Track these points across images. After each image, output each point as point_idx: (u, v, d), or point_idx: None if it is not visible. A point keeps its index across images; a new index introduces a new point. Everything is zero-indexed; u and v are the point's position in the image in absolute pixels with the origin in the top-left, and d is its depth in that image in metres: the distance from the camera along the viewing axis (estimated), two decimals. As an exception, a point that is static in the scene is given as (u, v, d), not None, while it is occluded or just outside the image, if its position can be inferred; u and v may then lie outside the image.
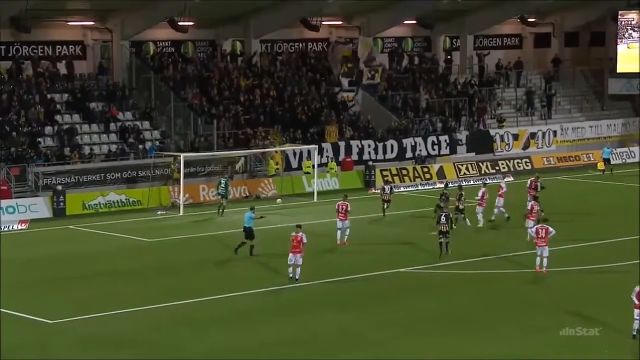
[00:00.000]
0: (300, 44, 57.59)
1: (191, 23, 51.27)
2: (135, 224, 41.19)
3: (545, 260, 31.43)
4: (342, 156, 51.41)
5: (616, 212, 43.31)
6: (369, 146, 52.63)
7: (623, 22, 61.95)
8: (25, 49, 49.23)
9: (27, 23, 46.94)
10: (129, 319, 27.15)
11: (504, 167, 54.80)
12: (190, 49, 54.05)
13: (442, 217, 34.16)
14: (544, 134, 59.44)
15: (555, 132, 59.84)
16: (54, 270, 32.84)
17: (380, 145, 52.88)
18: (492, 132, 57.56)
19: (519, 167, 55.72)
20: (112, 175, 45.42)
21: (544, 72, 64.24)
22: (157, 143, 48.02)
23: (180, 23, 50.25)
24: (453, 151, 55.28)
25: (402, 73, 59.09)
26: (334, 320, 27.05)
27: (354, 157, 51.84)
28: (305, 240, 30.07)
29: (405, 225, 40.73)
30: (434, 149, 54.59)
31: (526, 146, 58.56)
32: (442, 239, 34.07)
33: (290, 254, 30.06)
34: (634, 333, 24.40)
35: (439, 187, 46.26)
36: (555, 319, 26.50)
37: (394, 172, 51.10)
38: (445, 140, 55.12)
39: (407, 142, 53.81)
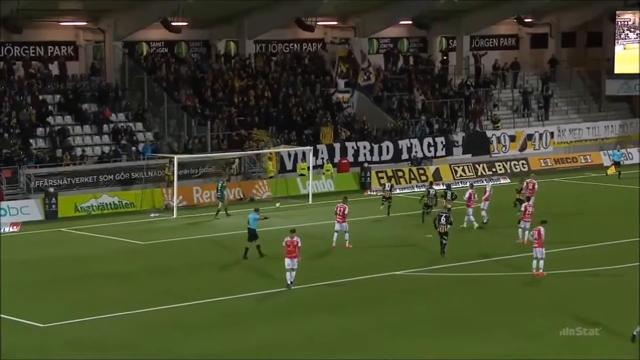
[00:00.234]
0: (295, 45, 57.57)
1: (185, 23, 51.25)
2: (128, 226, 41.12)
3: (541, 262, 31.40)
4: (337, 158, 51.38)
5: (613, 215, 43.32)
6: (365, 148, 52.63)
7: (620, 23, 62.00)
8: (17, 49, 49.18)
9: (19, 23, 46.88)
10: (122, 322, 27.08)
11: (500, 169, 54.81)
12: (184, 50, 54.02)
13: (443, 217, 34.26)
14: (540, 135, 59.45)
15: (552, 134, 59.86)
16: (46, 274, 32.77)
17: (375, 146, 52.87)
18: (488, 133, 57.57)
19: (516, 168, 55.73)
20: (105, 177, 45.36)
21: (541, 72, 64.29)
22: (151, 144, 47.96)
23: (173, 23, 50.24)
24: (449, 153, 55.28)
25: (397, 74, 59.08)
26: (330, 323, 27.02)
27: (350, 158, 51.83)
28: (300, 244, 29.97)
29: (401, 227, 40.71)
30: (430, 151, 54.60)
31: (523, 148, 58.58)
32: (441, 239, 34.35)
33: (287, 259, 29.85)
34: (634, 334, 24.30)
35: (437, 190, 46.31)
36: (553, 322, 26.47)
37: (390, 173, 51.08)
38: (442, 142, 55.11)
39: (403, 143, 53.81)
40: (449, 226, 34.24)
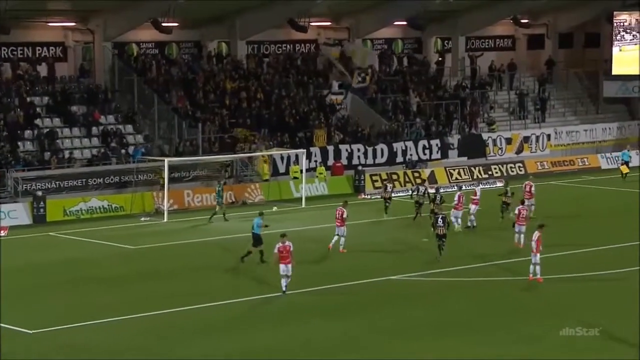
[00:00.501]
0: (288, 46, 57.56)
1: (175, 24, 51.22)
2: (118, 230, 41.05)
3: (537, 267, 31.40)
4: (331, 161, 51.37)
5: (612, 218, 43.38)
6: (359, 150, 52.64)
7: (617, 24, 62.11)
8: (4, 50, 49.12)
9: (6, 24, 46.76)
10: (113, 328, 27.01)
11: (496, 172, 54.84)
12: (175, 51, 53.99)
13: (439, 219, 34.55)
14: (537, 137, 59.53)
15: (549, 136, 59.93)
16: (34, 279, 32.68)
17: (370, 149, 52.89)
18: (484, 136, 57.63)
19: (512, 171, 55.76)
20: (94, 181, 45.28)
21: (538, 74, 64.37)
22: (143, 148, 47.89)
23: (164, 24, 50.19)
24: (444, 155, 55.32)
25: (392, 75, 59.10)
26: (326, 327, 27.02)
27: (343, 161, 51.82)
28: (292, 249, 29.91)
29: (396, 231, 40.72)
30: (425, 153, 54.63)
31: (519, 150, 58.64)
32: (438, 241, 34.61)
33: (282, 265, 29.73)
34: None
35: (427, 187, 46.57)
36: (552, 325, 26.50)
37: (384, 176, 51.06)
38: (437, 145, 55.16)
39: (398, 146, 53.84)
40: (447, 228, 34.63)
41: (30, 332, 26.56)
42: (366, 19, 58.08)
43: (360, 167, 51.17)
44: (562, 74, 65.52)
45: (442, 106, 57.86)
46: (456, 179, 53.14)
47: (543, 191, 43.86)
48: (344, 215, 36.00)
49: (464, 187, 44.00)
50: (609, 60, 62.90)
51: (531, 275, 31.42)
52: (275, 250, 29.89)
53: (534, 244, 31.19)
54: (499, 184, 48.15)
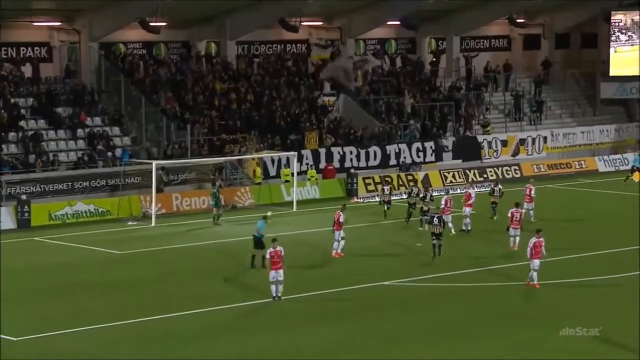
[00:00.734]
0: (279, 46, 57.55)
1: (163, 23, 51.16)
2: (104, 235, 40.99)
3: (534, 273, 31.33)
4: (322, 163, 51.35)
5: (609, 222, 43.47)
6: (351, 153, 52.64)
7: (613, 24, 62.22)
8: (-12, 50, 49.10)
9: (-10, 23, 46.79)
10: (100, 335, 26.92)
11: (492, 175, 54.85)
12: (163, 51, 53.95)
13: (435, 218, 35.17)
14: (533, 140, 59.61)
15: (545, 138, 60.01)
16: (19, 285, 32.56)
17: (362, 152, 52.89)
18: (479, 138, 57.68)
19: (508, 174, 55.81)
20: (80, 184, 45.20)
21: (534, 75, 64.46)
22: (130, 150, 47.85)
23: (151, 23, 50.15)
24: (439, 158, 55.36)
25: (385, 76, 59.12)
26: (316, 333, 26.99)
27: (335, 164, 51.81)
28: (283, 254, 29.87)
29: (390, 236, 40.72)
30: (419, 156, 54.66)
31: (515, 153, 58.71)
32: (434, 240, 35.17)
33: (272, 271, 29.66)
34: None
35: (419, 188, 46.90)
36: (548, 332, 26.52)
37: (377, 180, 51.07)
38: (431, 147, 55.20)
39: (391, 148, 53.86)
40: (442, 227, 35.23)
41: (15, 339, 26.45)
42: (359, 19, 58.10)
43: (352, 170, 51.16)
44: (558, 74, 65.62)
45: (436, 108, 57.90)
46: (451, 182, 53.17)
47: (540, 195, 43.84)
48: (341, 219, 36.00)
49: (451, 192, 44.15)
50: (606, 61, 63.00)
51: (528, 280, 31.39)
52: (267, 256, 29.82)
53: (529, 250, 31.15)
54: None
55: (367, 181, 50.84)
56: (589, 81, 65.58)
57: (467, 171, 54.58)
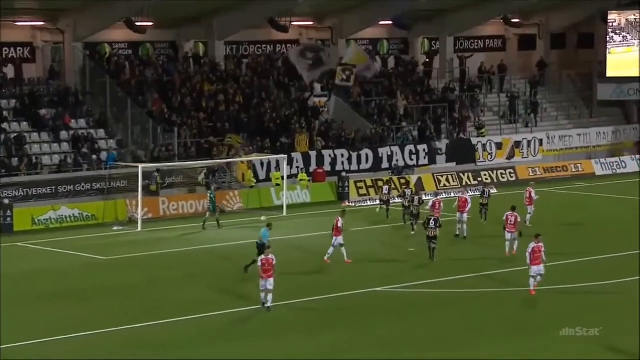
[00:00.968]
0: (268, 46, 57.48)
1: (150, 23, 51.10)
2: (89, 240, 40.86)
3: (532, 279, 31.24)
4: (313, 167, 51.26)
5: (606, 226, 43.50)
6: (342, 156, 52.56)
7: (610, 24, 62.27)
8: (-31, 51, 48.97)
9: (-29, 23, 46.65)
10: (83, 343, 26.81)
11: (486, 178, 54.76)
12: (149, 51, 53.86)
13: (431, 221, 35.67)
14: (529, 142, 59.61)
15: (541, 141, 60.02)
16: (1, 291, 32.40)
17: (354, 154, 52.81)
18: (473, 140, 57.66)
19: (503, 178, 55.80)
20: (64, 188, 45.05)
21: (529, 76, 64.52)
22: (115, 153, 47.73)
23: (137, 23, 50.08)
24: (432, 161, 55.30)
25: (377, 77, 59.05)
26: (308, 341, 26.94)
27: (326, 167, 51.74)
28: (275, 262, 29.76)
29: (382, 240, 40.66)
30: (411, 159, 54.60)
31: (510, 156, 58.71)
32: (430, 243, 35.72)
33: (262, 279, 29.51)
34: None
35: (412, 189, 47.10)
36: (545, 341, 26.50)
37: (369, 183, 51.01)
38: (424, 150, 55.14)
39: (383, 151, 53.78)
40: (438, 230, 35.69)
41: (-4, 347, 26.36)
42: (350, 19, 58.08)
43: (344, 174, 51.09)
44: (554, 76, 65.68)
45: (429, 110, 57.88)
46: (444, 185, 53.12)
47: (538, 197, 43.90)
48: (338, 225, 35.93)
49: (444, 195, 44.32)
50: (603, 62, 63.03)
51: (532, 288, 31.20)
52: (259, 263, 29.67)
53: (528, 255, 31.06)
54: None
55: (358, 185, 50.77)
56: (586, 82, 65.64)
57: (461, 174, 54.54)
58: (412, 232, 40.56)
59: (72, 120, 48.73)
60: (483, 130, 58.55)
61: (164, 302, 31.11)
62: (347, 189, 50.10)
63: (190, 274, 34.79)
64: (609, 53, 62.40)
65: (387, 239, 41.08)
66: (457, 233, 40.23)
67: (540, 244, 31.09)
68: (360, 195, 50.27)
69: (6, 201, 42.80)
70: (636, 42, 62.01)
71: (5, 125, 47.05)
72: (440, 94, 59.47)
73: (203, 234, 42.04)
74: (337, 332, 27.77)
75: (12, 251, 39.19)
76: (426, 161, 55.08)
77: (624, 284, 32.63)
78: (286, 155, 48.81)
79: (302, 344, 26.85)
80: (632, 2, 62.18)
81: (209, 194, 43.68)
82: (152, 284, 33.57)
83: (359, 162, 52.98)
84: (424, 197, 43.69)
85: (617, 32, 62.15)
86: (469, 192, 44.21)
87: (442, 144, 56.03)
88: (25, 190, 44.22)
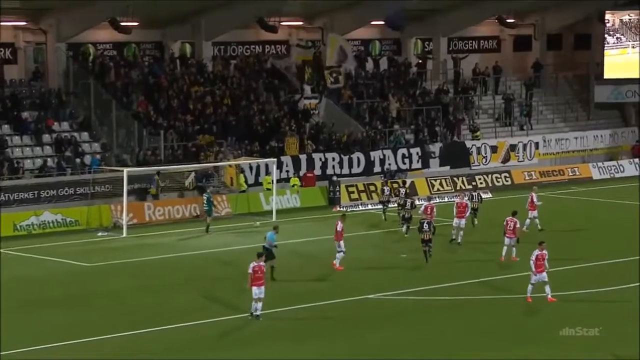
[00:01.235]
0: (257, 47, 57.37)
1: (135, 23, 51.04)
2: (73, 246, 40.75)
3: (530, 287, 31.17)
4: (303, 170, 51.13)
5: (605, 231, 43.52)
6: (333, 159, 52.45)
7: (610, 24, 62.30)
8: (-51, 52, 48.81)
9: (-49, 23, 46.46)
10: (67, 352, 26.65)
11: (481, 183, 54.77)
12: (135, 52, 53.72)
13: (425, 224, 36.33)
14: (524, 146, 59.61)
15: (537, 144, 60.03)
16: (-19, 299, 32.28)
17: (345, 158, 52.70)
18: (468, 144, 57.62)
19: (498, 182, 55.73)
20: (47, 193, 44.91)
21: (525, 77, 64.55)
22: (100, 157, 47.61)
23: (122, 23, 50.04)
24: (425, 165, 55.23)
25: (368, 79, 59.00)
26: (301, 348, 26.83)
27: (317, 171, 51.60)
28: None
29: (375, 246, 40.59)
30: (404, 163, 54.51)
31: (506, 159, 58.68)
32: (424, 247, 36.27)
33: (255, 288, 29.12)
34: None
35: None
36: (546, 349, 26.45)
37: (361, 188, 50.90)
38: (417, 153, 55.08)
39: (375, 155, 53.67)
40: (432, 233, 36.27)
41: (-24, 357, 26.19)
42: (341, 19, 58.00)
43: (335, 178, 50.96)
44: (550, 77, 65.73)
45: (422, 112, 57.82)
46: (438, 190, 53.04)
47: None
48: (338, 229, 35.86)
49: (437, 200, 44.44)
50: (600, 63, 63.04)
51: (547, 295, 31.06)
52: (250, 270, 29.43)
53: (532, 262, 30.94)
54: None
55: (350, 189, 50.64)
56: (583, 84, 65.68)
57: (455, 178, 54.46)
58: (406, 235, 40.79)
59: (55, 123, 48.59)
60: (478, 133, 58.50)
61: (150, 309, 30.99)
62: (338, 193, 49.99)
63: (177, 281, 34.67)
64: (606, 55, 62.41)
65: (380, 244, 40.99)
66: (453, 237, 40.13)
67: (544, 252, 31.03)
68: (351, 200, 50.17)
69: (-13, 206, 42.66)
70: (629, 44, 61.97)
71: (-15, 128, 46.93)
72: (434, 96, 59.41)
73: (190, 240, 41.90)
74: (329, 340, 27.69)
75: (-7, 258, 39.04)
76: (419, 165, 55.02)
77: (627, 290, 32.54)
78: (275, 159, 48.67)
79: (293, 352, 26.74)
80: (631, 2, 62.18)
81: (205, 197, 43.55)
82: (138, 291, 33.44)
83: (350, 165, 52.89)
84: (416, 202, 43.80)
85: (611, 33, 62.09)
86: (466, 196, 44.02)
87: (435, 147, 55.96)
88: (6, 195, 44.06)
